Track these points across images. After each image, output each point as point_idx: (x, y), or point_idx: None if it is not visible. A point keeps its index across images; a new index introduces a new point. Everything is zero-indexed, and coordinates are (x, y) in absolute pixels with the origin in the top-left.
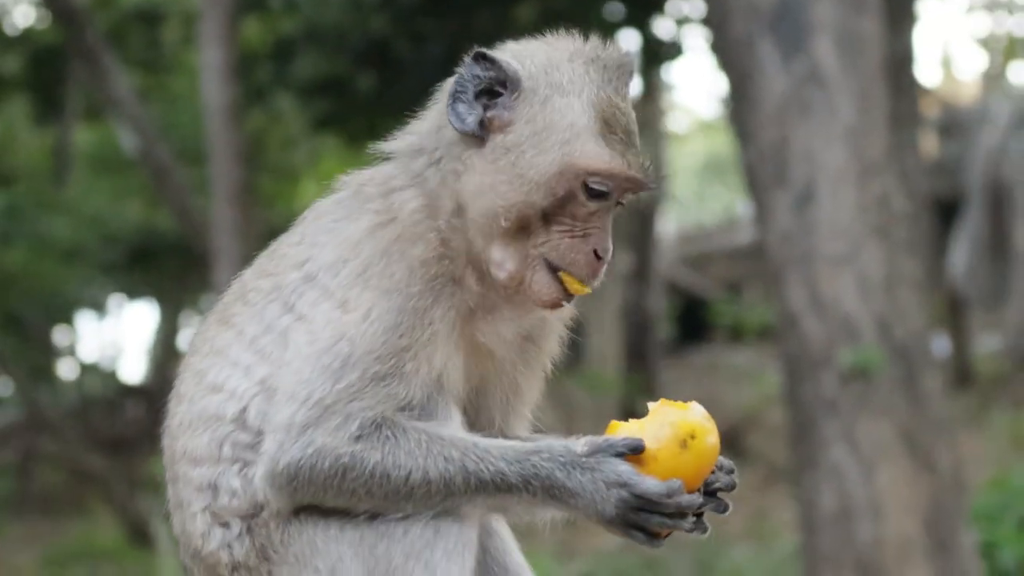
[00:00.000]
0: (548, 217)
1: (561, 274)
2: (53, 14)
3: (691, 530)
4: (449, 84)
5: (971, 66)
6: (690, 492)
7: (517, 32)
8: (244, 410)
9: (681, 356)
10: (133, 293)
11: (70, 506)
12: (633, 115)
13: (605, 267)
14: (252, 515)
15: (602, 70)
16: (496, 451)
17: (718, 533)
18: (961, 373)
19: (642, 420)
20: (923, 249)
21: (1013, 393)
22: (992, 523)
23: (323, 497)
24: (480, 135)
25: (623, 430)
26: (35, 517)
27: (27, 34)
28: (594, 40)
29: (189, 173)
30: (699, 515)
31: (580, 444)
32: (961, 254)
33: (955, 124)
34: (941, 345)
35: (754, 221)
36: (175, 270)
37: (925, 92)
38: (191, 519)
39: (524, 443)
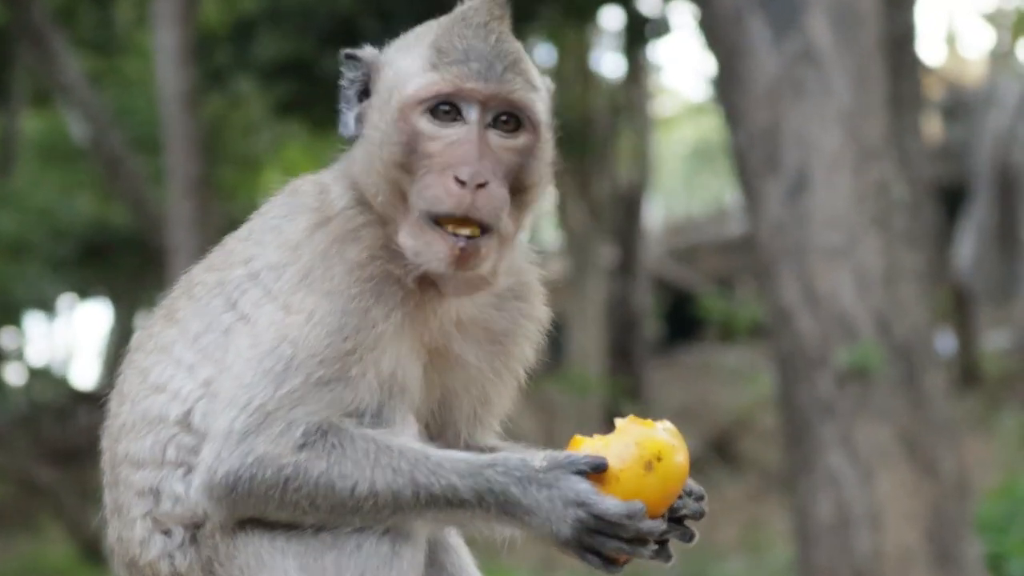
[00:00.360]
0: (409, 169)
1: (441, 220)
2: None
3: (652, 558)
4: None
5: (977, 44)
6: (653, 517)
7: None
8: (189, 412)
9: (669, 355)
10: (85, 292)
11: (18, 521)
12: (491, 36)
13: (483, 193)
14: (196, 524)
15: (461, 18)
16: (448, 464)
17: (709, 544)
18: (967, 372)
19: (607, 437)
20: (926, 240)
21: (1022, 393)
22: (999, 533)
23: (264, 509)
24: (359, 131)
25: (586, 446)
26: None
27: None
28: None
29: (144, 163)
30: (663, 542)
31: (539, 459)
32: (967, 245)
33: (960, 106)
34: (946, 342)
35: (744, 211)
36: (130, 267)
37: (928, 72)
38: (129, 525)
39: (479, 456)
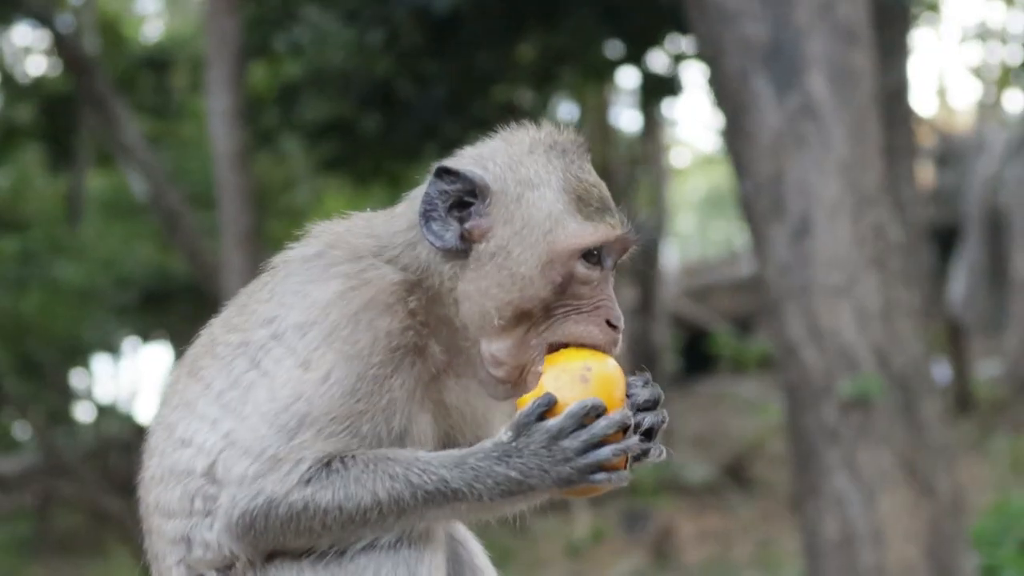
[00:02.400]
0: (549, 305)
1: None
2: (64, 63)
3: (645, 454)
4: (418, 200)
5: (966, 95)
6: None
7: (518, 72)
8: (213, 464)
9: (687, 387)
10: (147, 335)
11: (89, 548)
12: (602, 183)
13: (619, 337)
14: (227, 566)
15: (562, 154)
16: (437, 461)
17: (725, 562)
18: (962, 399)
19: (540, 380)
20: (921, 278)
21: (1013, 418)
22: (993, 547)
23: (283, 541)
24: (462, 247)
25: (528, 397)
26: (55, 559)
27: (39, 83)
28: (546, 127)
29: (199, 217)
30: (647, 434)
31: (503, 432)
32: (960, 281)
33: (951, 153)
34: (942, 371)
35: (753, 253)
36: (187, 311)
37: (921, 122)
38: (167, 572)
39: (460, 450)
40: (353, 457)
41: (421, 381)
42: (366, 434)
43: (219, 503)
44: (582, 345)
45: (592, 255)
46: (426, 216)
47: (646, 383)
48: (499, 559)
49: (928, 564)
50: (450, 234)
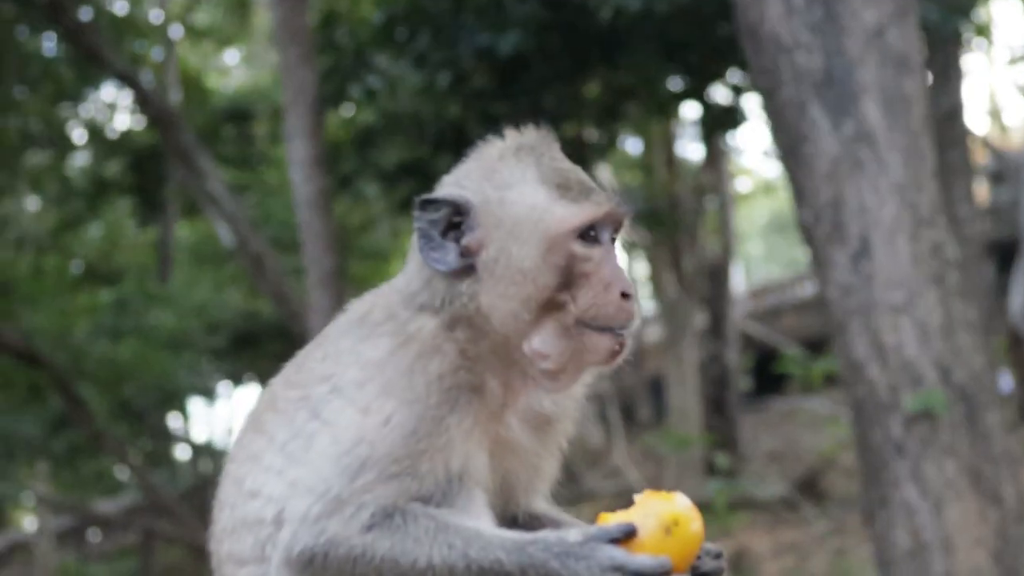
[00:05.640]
0: (566, 288)
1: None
2: (148, 118)
3: None
4: (413, 239)
5: (1019, 113)
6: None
7: (584, 109)
8: (281, 511)
9: (758, 406)
10: (238, 377)
11: None
12: (578, 168)
13: (635, 303)
14: None
15: (531, 151)
16: (497, 541)
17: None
18: None
19: (628, 511)
20: (981, 293)
21: None
22: None
23: None
24: (466, 264)
25: (612, 519)
26: None
27: (126, 138)
28: (510, 133)
29: (284, 260)
30: None
31: (574, 533)
32: (1019, 294)
33: (1006, 170)
34: (1005, 381)
35: (815, 275)
36: (275, 352)
37: (976, 141)
38: None
39: (524, 534)
40: (416, 514)
41: (479, 421)
42: (425, 474)
43: (279, 537)
44: (606, 323)
45: (587, 234)
46: (424, 248)
47: (717, 556)
48: None
49: (996, 569)
50: (451, 255)
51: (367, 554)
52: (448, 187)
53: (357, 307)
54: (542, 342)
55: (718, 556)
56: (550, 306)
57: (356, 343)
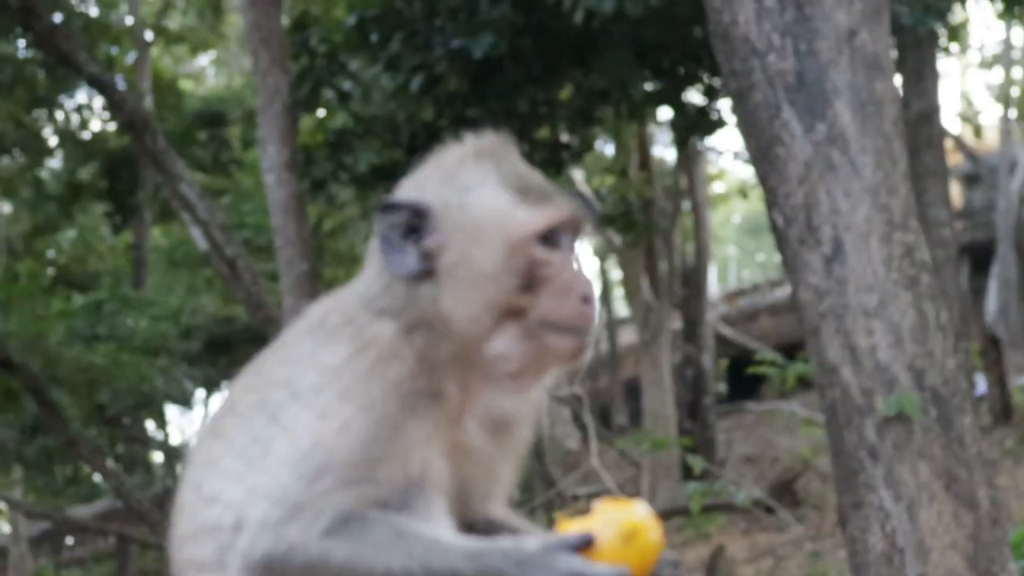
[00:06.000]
0: (526, 291)
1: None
2: (121, 122)
3: None
4: (374, 243)
5: (992, 116)
6: None
7: (558, 112)
8: (240, 517)
9: (734, 409)
10: (213, 382)
11: None
12: (536, 171)
13: (595, 307)
14: None
15: (491, 155)
16: (455, 548)
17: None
18: (1001, 409)
19: (586, 519)
20: (955, 295)
21: None
22: None
23: None
24: (426, 267)
25: (571, 527)
26: None
27: (98, 139)
28: (468, 136)
29: (259, 264)
30: None
31: (532, 541)
32: (993, 297)
33: (981, 172)
34: (979, 384)
35: (788, 278)
36: (251, 357)
37: (952, 143)
38: None
39: (482, 542)
40: (374, 521)
41: (438, 426)
42: (384, 480)
43: (237, 545)
44: (567, 326)
45: (548, 238)
46: (384, 251)
47: (675, 564)
48: None
49: (971, 573)
50: (411, 259)
51: (325, 560)
52: (408, 190)
53: (315, 311)
54: (503, 345)
55: (675, 565)
56: (511, 309)
57: (314, 348)
